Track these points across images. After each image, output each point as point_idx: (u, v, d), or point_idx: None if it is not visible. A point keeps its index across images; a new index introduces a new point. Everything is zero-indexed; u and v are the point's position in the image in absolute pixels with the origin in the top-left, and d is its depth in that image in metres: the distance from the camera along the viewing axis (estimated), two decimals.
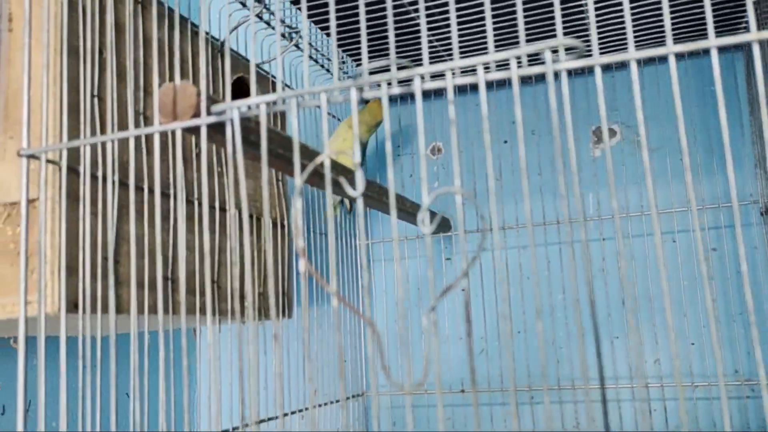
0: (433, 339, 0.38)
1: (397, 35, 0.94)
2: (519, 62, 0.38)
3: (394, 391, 1.12)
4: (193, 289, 0.69)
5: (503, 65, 0.32)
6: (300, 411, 0.86)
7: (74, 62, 0.57)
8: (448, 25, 0.90)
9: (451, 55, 0.98)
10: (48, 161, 0.53)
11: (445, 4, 0.82)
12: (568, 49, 0.38)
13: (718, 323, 0.98)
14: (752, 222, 0.98)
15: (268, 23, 0.87)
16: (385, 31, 0.90)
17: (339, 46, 1.01)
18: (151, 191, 0.64)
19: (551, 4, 0.83)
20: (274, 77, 0.91)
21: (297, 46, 0.91)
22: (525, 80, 1.11)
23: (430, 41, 0.96)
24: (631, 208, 1.03)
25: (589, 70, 1.08)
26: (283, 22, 0.89)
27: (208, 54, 0.77)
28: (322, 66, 1.03)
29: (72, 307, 0.53)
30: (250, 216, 0.82)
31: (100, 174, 0.56)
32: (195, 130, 0.46)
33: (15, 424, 0.87)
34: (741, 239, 0.35)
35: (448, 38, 0.94)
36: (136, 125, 0.60)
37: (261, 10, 0.81)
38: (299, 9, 0.87)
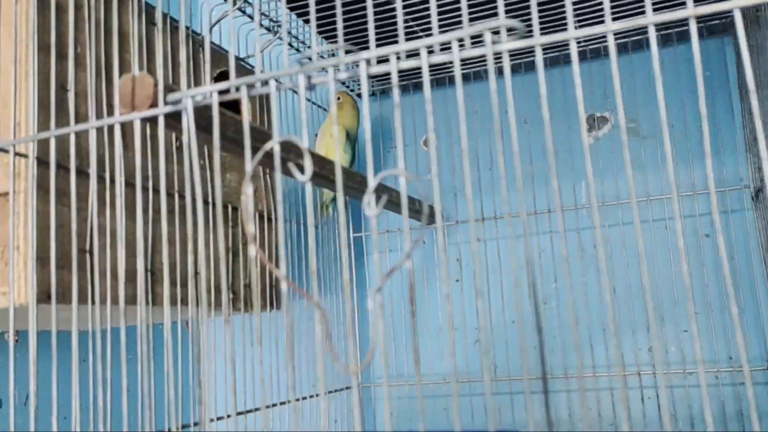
0: (380, 322, 0.38)
1: (354, 18, 0.94)
2: (462, 44, 0.39)
3: (392, 381, 1.13)
4: (174, 281, 0.70)
5: (448, 47, 0.32)
6: (284, 403, 0.87)
7: (45, 57, 0.57)
8: (406, 6, 0.90)
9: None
10: (17, 154, 0.54)
11: None
12: (511, 31, 0.38)
13: (710, 310, 0.97)
14: (744, 207, 0.97)
15: (250, 17, 0.88)
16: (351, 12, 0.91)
17: (298, 18, 1.02)
18: (131, 184, 0.65)
19: None
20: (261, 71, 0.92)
21: (283, 39, 0.91)
22: (515, 68, 1.11)
23: (382, 22, 0.96)
24: (621, 196, 1.02)
25: (582, 57, 1.08)
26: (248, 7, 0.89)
27: (189, 48, 0.78)
28: (297, 50, 1.03)
29: (46, 298, 0.54)
30: (235, 209, 0.83)
31: (72, 166, 0.57)
32: (154, 120, 0.47)
33: (15, 420, 0.89)
34: (680, 228, 0.34)
35: (412, 18, 0.94)
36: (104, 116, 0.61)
37: (242, 3, 0.82)
38: None
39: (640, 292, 1.00)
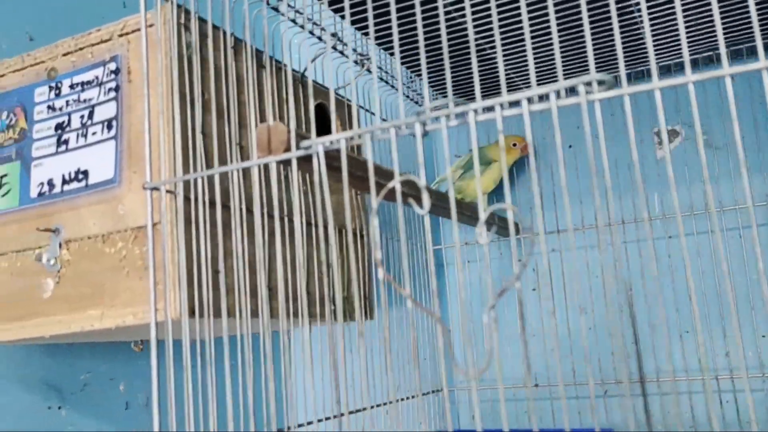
0: (494, 335, 0.45)
1: (456, 66, 1.01)
2: (558, 95, 0.45)
3: (471, 386, 1.19)
4: (287, 296, 0.78)
5: (545, 97, 0.37)
6: (384, 404, 0.94)
7: (184, 105, 0.66)
8: (507, 61, 0.96)
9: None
10: (167, 191, 0.63)
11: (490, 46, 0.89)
12: (601, 83, 0.44)
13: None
14: None
15: (341, 53, 0.96)
16: (451, 59, 0.98)
17: (407, 66, 1.09)
18: (250, 212, 0.73)
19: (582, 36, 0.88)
20: (349, 100, 1.00)
21: (369, 71, 1.00)
22: None
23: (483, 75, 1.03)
24: (695, 206, 1.06)
25: (649, 74, 1.12)
26: (355, 51, 0.97)
27: (297, 91, 0.86)
28: (391, 85, 1.11)
29: (190, 312, 0.63)
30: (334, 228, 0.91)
31: (212, 200, 0.66)
32: (287, 162, 0.55)
33: (138, 420, 0.99)
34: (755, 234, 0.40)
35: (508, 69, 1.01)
36: (235, 157, 0.70)
37: (335, 42, 0.90)
38: (367, 35, 0.95)
39: (717, 299, 1.03)
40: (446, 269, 1.23)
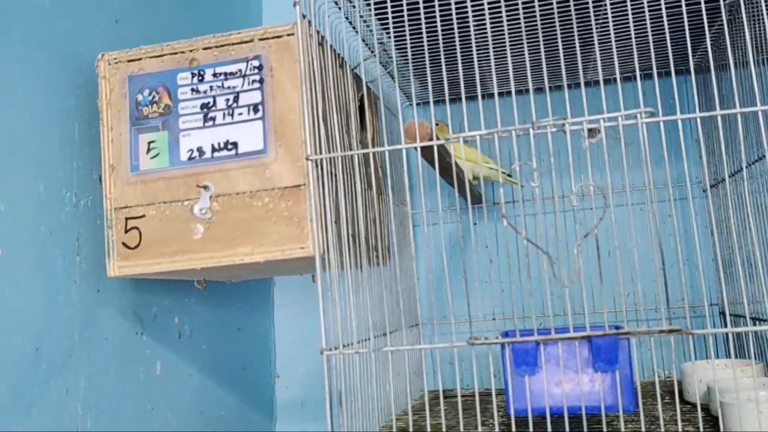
0: (580, 262, 0.75)
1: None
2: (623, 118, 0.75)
3: (443, 320, 1.50)
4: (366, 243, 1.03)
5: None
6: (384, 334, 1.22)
7: (318, 99, 0.89)
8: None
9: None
10: (313, 162, 0.86)
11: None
12: (647, 112, 0.75)
13: (672, 268, 1.40)
14: (697, 196, 1.40)
15: (372, 51, 1.21)
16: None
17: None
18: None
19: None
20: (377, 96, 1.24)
21: (392, 76, 1.25)
22: (537, 90, 1.49)
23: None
24: (615, 186, 1.43)
25: (587, 84, 1.47)
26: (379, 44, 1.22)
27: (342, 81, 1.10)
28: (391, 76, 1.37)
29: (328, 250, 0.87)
30: (379, 193, 1.16)
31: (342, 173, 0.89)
32: (428, 148, 0.81)
33: (185, 347, 1.19)
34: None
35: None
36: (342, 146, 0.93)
37: (377, 48, 1.14)
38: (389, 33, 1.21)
39: (628, 254, 1.41)
40: (420, 228, 1.53)
